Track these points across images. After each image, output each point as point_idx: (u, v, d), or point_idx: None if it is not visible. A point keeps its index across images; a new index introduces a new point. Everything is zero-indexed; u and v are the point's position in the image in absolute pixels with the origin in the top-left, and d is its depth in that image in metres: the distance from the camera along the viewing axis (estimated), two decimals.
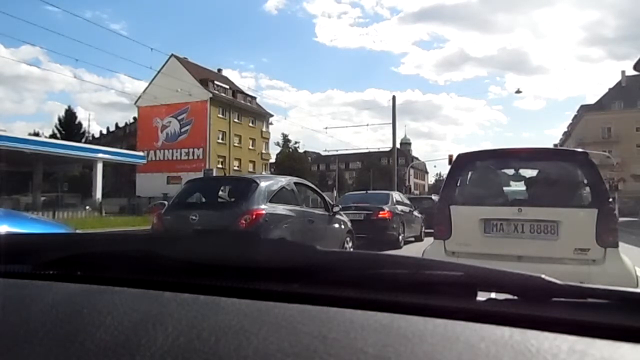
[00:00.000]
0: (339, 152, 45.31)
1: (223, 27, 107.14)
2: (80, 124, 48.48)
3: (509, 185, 4.10)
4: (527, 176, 4.06)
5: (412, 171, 78.83)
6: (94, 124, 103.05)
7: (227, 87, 48.93)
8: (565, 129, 67.12)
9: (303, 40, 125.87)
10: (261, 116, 52.58)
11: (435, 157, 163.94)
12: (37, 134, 42.46)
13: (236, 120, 47.98)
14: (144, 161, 33.29)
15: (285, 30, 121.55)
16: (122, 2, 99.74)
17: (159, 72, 38.46)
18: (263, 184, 6.04)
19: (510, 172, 4.08)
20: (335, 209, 7.56)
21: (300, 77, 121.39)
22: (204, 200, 6.69)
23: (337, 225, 7.53)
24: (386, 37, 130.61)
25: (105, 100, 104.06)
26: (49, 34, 76.25)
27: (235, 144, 47.69)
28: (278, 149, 52.68)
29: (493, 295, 0.60)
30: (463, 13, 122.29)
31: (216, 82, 46.96)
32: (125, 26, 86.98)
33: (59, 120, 47.51)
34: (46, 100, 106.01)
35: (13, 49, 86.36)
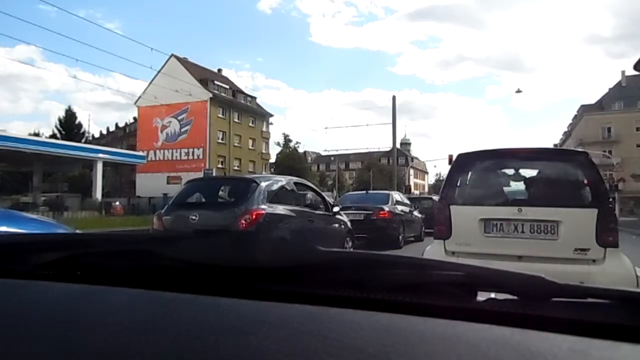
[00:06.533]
0: (339, 152, 45.35)
1: (217, 27, 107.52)
2: (80, 124, 48.51)
3: (509, 185, 4.09)
4: (527, 176, 4.05)
5: (412, 171, 79.00)
6: (91, 123, 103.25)
7: (227, 87, 48.92)
8: (565, 129, 67.20)
9: (298, 39, 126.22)
10: (261, 116, 52.56)
11: (435, 157, 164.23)
12: (37, 134, 42.44)
13: (236, 120, 47.97)
14: (144, 161, 33.30)
15: (280, 29, 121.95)
16: (116, 1, 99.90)
17: (159, 72, 38.44)
18: (263, 184, 6.04)
19: (510, 172, 4.08)
20: (335, 209, 7.56)
21: (296, 76, 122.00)
22: (204, 200, 6.69)
23: (337, 225, 7.53)
24: (381, 36, 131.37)
25: (101, 100, 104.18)
26: (44, 33, 76.10)
27: (235, 144, 47.66)
28: (278, 149, 52.66)
29: (493, 295, 0.60)
30: (459, 12, 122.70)
31: (216, 82, 46.95)
32: (119, 25, 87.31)
33: (59, 120, 47.53)
34: (42, 100, 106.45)
35: (8, 48, 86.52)
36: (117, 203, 27.35)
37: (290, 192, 6.64)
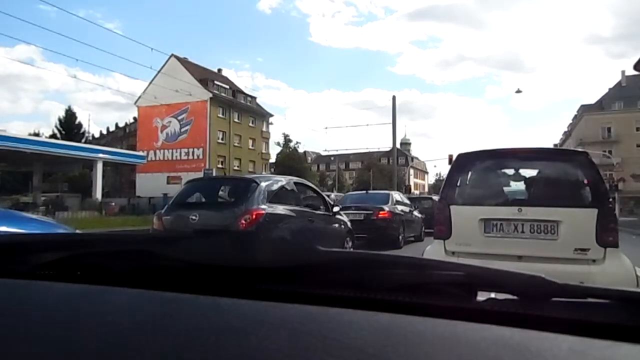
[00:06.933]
0: (339, 152, 45.39)
1: (217, 27, 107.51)
2: (80, 124, 48.52)
3: (509, 185, 4.09)
4: (527, 176, 4.05)
5: (412, 171, 79.02)
6: (91, 123, 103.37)
7: (227, 86, 48.91)
8: (565, 129, 67.21)
9: (298, 39, 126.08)
10: (261, 116, 52.55)
11: (435, 157, 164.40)
12: (37, 134, 42.45)
13: (236, 120, 47.96)
14: (144, 161, 33.29)
15: (279, 29, 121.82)
16: (115, 1, 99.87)
17: (159, 72, 38.44)
18: (263, 184, 6.04)
19: (510, 172, 4.08)
20: (335, 209, 7.56)
21: (296, 76, 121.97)
22: (203, 200, 6.69)
23: (337, 225, 7.53)
24: (381, 36, 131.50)
25: (100, 100, 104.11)
26: (44, 33, 76.00)
27: (235, 144, 47.66)
28: (278, 149, 52.68)
29: (493, 295, 0.60)
30: (459, 12, 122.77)
31: (216, 82, 46.94)
32: (119, 25, 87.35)
33: (59, 120, 47.54)
34: (42, 100, 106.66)
35: (8, 48, 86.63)
36: (113, 203, 27.61)
37: (290, 192, 6.64)
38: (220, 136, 45.93)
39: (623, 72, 53.04)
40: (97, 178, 26.39)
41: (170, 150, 45.08)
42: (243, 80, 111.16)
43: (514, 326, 0.50)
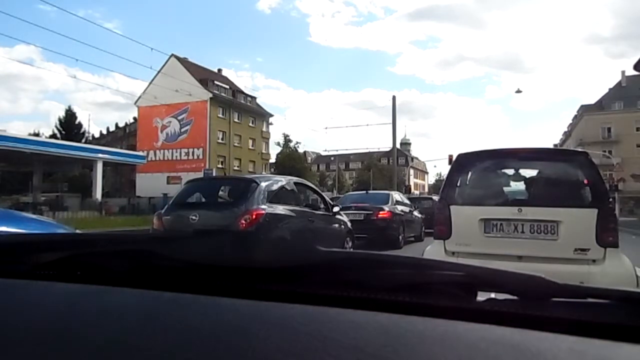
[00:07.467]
0: (339, 152, 45.45)
1: (216, 27, 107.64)
2: (80, 124, 48.49)
3: (509, 185, 4.10)
4: (527, 176, 4.05)
5: (412, 171, 79.05)
6: (91, 123, 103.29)
7: (227, 87, 48.91)
8: (565, 129, 67.21)
9: (298, 39, 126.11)
10: (261, 116, 52.56)
11: (435, 157, 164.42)
12: (37, 134, 42.44)
13: (236, 120, 47.97)
14: (144, 161, 33.31)
15: (279, 29, 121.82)
16: (115, 1, 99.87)
17: (159, 72, 38.45)
18: (263, 184, 6.04)
19: (510, 172, 4.08)
20: (335, 209, 7.57)
21: (296, 76, 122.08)
22: (204, 200, 6.69)
23: (337, 225, 7.53)
24: (381, 36, 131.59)
25: (101, 100, 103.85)
26: (44, 33, 75.96)
27: (235, 144, 47.66)
28: (278, 149, 52.67)
29: (493, 295, 0.60)
30: (458, 12, 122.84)
31: (216, 82, 46.94)
32: (118, 25, 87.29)
33: (59, 120, 47.51)
34: (41, 100, 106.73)
35: (8, 48, 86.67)
36: (111, 203, 28.01)
37: (290, 192, 6.64)
38: (220, 136, 45.93)
39: (623, 72, 53.09)
40: (97, 178, 26.39)
41: (170, 150, 45.08)
42: (243, 80, 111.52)
43: (514, 326, 0.50)
